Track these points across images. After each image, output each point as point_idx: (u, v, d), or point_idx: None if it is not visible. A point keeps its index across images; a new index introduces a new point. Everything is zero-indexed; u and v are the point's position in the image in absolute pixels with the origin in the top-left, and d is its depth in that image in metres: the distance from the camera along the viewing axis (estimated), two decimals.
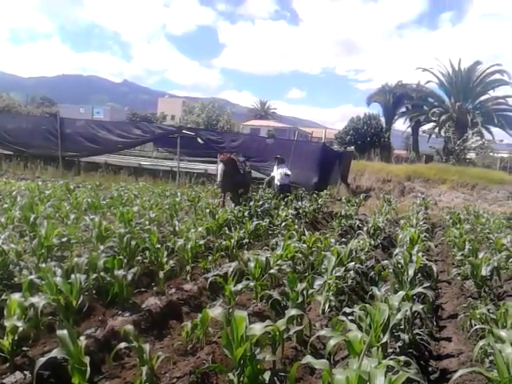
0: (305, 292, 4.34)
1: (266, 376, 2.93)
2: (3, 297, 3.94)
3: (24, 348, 3.50)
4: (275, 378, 3.10)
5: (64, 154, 17.45)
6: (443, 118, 36.71)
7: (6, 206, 8.08)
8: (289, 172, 13.12)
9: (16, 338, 3.29)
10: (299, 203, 11.82)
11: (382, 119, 41.41)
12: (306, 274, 5.43)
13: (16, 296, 3.53)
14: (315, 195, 13.64)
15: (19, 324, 3.25)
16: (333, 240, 7.17)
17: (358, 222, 10.50)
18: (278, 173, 13.03)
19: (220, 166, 10.48)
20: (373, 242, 8.25)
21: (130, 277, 4.57)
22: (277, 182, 13.05)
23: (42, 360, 2.89)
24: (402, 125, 44.82)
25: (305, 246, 6.55)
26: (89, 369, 2.85)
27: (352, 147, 32.35)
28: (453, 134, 34.40)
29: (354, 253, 6.09)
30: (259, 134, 42.91)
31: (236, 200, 11.27)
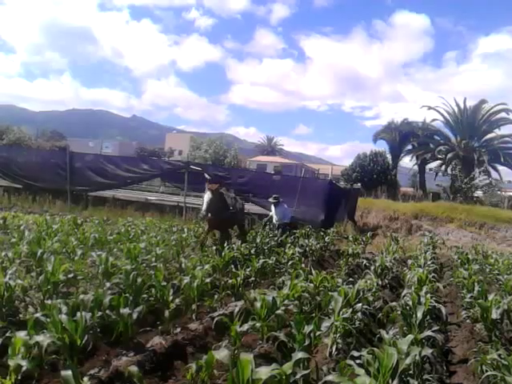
0: (312, 334, 4.28)
1: None
2: (8, 334, 3.92)
3: None
4: None
5: (72, 188, 17.58)
6: (449, 155, 36.86)
7: (13, 240, 8.11)
8: (288, 211, 13.18)
9: (19, 377, 3.26)
10: (306, 241, 11.77)
11: (389, 156, 41.61)
12: (313, 315, 5.36)
13: (21, 334, 3.51)
14: (322, 233, 13.59)
15: (23, 363, 3.23)
16: (340, 280, 7.10)
17: (365, 261, 10.40)
18: (276, 212, 12.88)
19: (207, 195, 9.38)
20: (380, 282, 8.17)
21: (135, 316, 4.54)
22: (275, 221, 12.85)
23: None
24: (408, 162, 45.01)
25: (312, 285, 6.49)
26: None
27: (359, 184, 32.42)
28: (459, 172, 34.46)
29: (362, 293, 6.02)
30: (266, 170, 43.23)
31: (223, 241, 9.67)
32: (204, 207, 9.24)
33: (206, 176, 17.93)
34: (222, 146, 46.24)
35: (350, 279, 7.75)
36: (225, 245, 9.30)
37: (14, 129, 50.45)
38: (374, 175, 36.39)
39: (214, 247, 8.92)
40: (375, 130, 46.76)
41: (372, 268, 8.84)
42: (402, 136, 42.45)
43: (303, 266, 8.23)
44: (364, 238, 14.37)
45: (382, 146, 49.93)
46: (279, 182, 17.48)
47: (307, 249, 10.87)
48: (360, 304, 5.62)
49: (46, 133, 73.24)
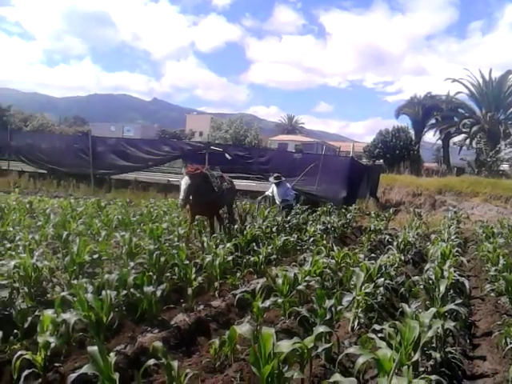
0: (333, 309, 4.29)
1: None
2: (36, 313, 4.04)
3: (56, 364, 3.57)
4: None
5: (95, 171, 17.83)
6: (474, 129, 36.05)
7: (40, 223, 8.30)
8: (291, 191, 12.56)
9: (48, 353, 3.36)
10: (328, 218, 11.75)
11: (411, 132, 40.93)
12: (335, 291, 5.39)
13: (49, 312, 3.61)
14: (344, 210, 13.53)
15: (51, 340, 3.32)
16: (362, 255, 7.09)
17: (387, 237, 10.35)
18: (278, 193, 12.12)
19: (184, 181, 8.05)
20: (403, 258, 8.11)
21: (159, 293, 4.62)
22: (278, 202, 12.11)
23: (73, 376, 2.95)
24: (431, 137, 44.22)
25: (333, 261, 6.50)
26: None
27: (381, 160, 32.00)
28: (484, 145, 33.74)
29: (384, 268, 6.00)
30: (287, 149, 42.97)
31: (213, 227, 9.03)
32: (182, 195, 7.99)
33: (227, 156, 18.02)
34: (243, 126, 46.11)
35: (373, 255, 7.75)
36: (218, 230, 9.03)
37: (38, 115, 51.27)
38: (396, 151, 35.88)
39: (204, 240, 7.65)
40: (397, 106, 45.89)
41: (395, 243, 8.79)
42: (425, 110, 41.64)
43: (325, 242, 8.24)
44: (386, 214, 14.27)
45: (405, 122, 49.07)
46: (300, 160, 17.36)
47: (329, 226, 10.86)
48: (382, 279, 5.60)
49: (69, 118, 74.29)
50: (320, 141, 65.95)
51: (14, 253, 5.82)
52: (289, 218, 11.06)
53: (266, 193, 12.58)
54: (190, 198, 8.11)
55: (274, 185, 12.23)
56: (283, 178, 12.35)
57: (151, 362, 3.20)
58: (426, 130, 43.28)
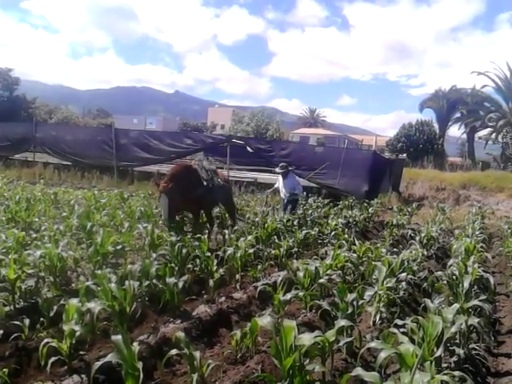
0: (355, 303, 4.27)
1: None
2: (62, 302, 4.13)
3: (81, 352, 3.64)
4: None
5: (118, 163, 18.00)
6: (501, 123, 35.32)
7: (64, 214, 8.44)
8: (298, 183, 11.07)
9: (73, 341, 3.42)
10: (349, 212, 11.67)
11: (436, 125, 40.39)
12: (356, 285, 5.36)
13: (74, 301, 3.68)
14: (366, 204, 13.43)
15: (77, 328, 3.38)
16: (384, 250, 7.03)
17: (410, 232, 10.23)
18: (284, 185, 10.73)
19: (163, 199, 7.36)
20: (426, 253, 8.02)
21: (181, 284, 4.67)
22: (283, 196, 10.81)
23: (98, 364, 3.00)
24: (456, 131, 43.55)
25: (355, 255, 6.45)
26: (142, 374, 2.93)
27: (404, 155, 31.64)
28: (511, 139, 33.03)
29: (406, 263, 5.94)
30: (308, 143, 42.79)
31: (197, 224, 8.21)
32: (164, 215, 7.33)
33: (249, 149, 18.03)
34: (264, 119, 46.11)
35: (395, 250, 7.66)
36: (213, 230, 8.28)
37: (62, 108, 52.08)
38: (420, 145, 35.48)
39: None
40: (421, 99, 45.45)
41: (417, 238, 8.70)
42: (450, 104, 41.05)
43: (346, 236, 8.20)
44: (409, 209, 14.11)
45: (429, 115, 48.37)
46: (322, 153, 17.26)
47: (350, 220, 10.79)
48: (404, 274, 5.55)
49: (92, 111, 75.27)
50: (342, 134, 65.50)
51: (39, 243, 5.94)
52: (292, 213, 10.00)
53: (275, 185, 11.31)
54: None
55: (280, 176, 10.93)
56: (291, 168, 11.17)
57: (174, 352, 3.24)
58: (450, 123, 42.68)
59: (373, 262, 5.81)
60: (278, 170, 10.92)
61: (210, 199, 8.19)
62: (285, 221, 8.98)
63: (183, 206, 7.94)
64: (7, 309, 4.34)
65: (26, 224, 7.74)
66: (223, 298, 5.19)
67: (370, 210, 12.77)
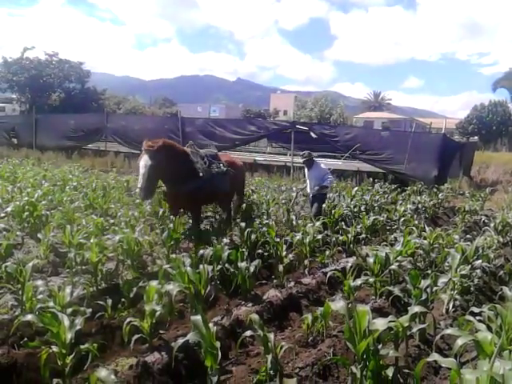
0: (428, 289, 4.21)
1: (390, 372, 2.90)
2: (141, 284, 4.36)
3: (160, 331, 3.85)
4: (398, 375, 3.07)
5: None
6: None
7: (137, 201, 8.81)
8: (326, 173, 8.54)
9: (154, 321, 3.62)
10: (418, 198, 11.38)
11: (510, 106, 38.22)
12: (428, 272, 5.27)
13: (154, 283, 3.88)
14: (435, 189, 13.03)
15: (157, 308, 3.57)
16: (456, 236, 6.83)
17: (483, 218, 9.85)
18: (310, 177, 8.69)
19: (141, 163, 5.90)
20: (501, 239, 7.72)
21: (252, 269, 4.79)
22: (309, 191, 8.76)
23: (179, 343, 3.16)
24: None
25: (425, 242, 6.32)
26: (219, 353, 3.06)
27: (475, 137, 30.28)
28: None
29: (481, 250, 5.76)
30: (373, 127, 41.87)
31: (196, 227, 6.81)
32: (140, 182, 5.80)
33: (312, 135, 17.89)
34: (328, 103, 45.56)
35: (468, 236, 7.43)
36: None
37: (130, 98, 53.94)
38: (493, 127, 33.81)
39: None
40: (494, 78, 43.02)
41: (492, 225, 8.37)
42: None
43: (416, 223, 8.03)
44: (482, 194, 13.54)
45: (503, 95, 45.87)
46: (388, 138, 16.86)
47: (419, 206, 10.52)
48: (479, 261, 5.41)
49: (158, 100, 77.38)
50: (408, 117, 63.45)
51: (117, 228, 6.27)
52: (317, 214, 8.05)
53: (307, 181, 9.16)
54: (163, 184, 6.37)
55: (305, 168, 9.04)
56: (315, 154, 9.47)
57: (248, 333, 3.35)
58: None
59: (446, 249, 5.67)
60: (300, 159, 9.16)
61: (206, 193, 6.76)
62: (351, 207, 8.90)
63: (174, 202, 6.75)
64: (91, 290, 4.63)
65: (102, 210, 8.17)
66: (292, 283, 5.27)
67: (439, 195, 12.38)
